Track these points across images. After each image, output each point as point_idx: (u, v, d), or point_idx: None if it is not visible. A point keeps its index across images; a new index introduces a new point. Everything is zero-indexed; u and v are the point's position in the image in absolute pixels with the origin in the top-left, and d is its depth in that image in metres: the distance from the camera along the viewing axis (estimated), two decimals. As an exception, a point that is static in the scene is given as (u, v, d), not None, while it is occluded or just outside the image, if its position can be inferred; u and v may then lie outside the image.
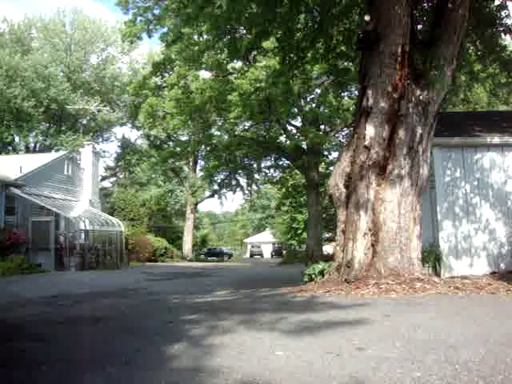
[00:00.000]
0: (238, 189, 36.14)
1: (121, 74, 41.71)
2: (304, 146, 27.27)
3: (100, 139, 44.19)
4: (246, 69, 22.17)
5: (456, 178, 10.46)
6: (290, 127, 28.69)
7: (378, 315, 5.06)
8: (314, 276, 8.84)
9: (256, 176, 34.75)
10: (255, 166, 32.45)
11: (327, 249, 30.61)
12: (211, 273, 17.94)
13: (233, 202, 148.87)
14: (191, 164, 40.24)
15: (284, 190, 36.37)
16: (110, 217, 24.19)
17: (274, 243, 62.00)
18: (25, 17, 42.34)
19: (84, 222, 20.66)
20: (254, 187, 38.10)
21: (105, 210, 26.93)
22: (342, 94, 25.51)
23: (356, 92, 19.06)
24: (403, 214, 7.96)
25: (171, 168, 38.25)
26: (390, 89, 8.23)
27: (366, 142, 8.15)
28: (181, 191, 46.32)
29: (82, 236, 20.33)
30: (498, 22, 11.36)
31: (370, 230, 7.94)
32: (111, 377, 2.96)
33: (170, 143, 38.20)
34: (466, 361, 3.01)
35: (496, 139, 10.59)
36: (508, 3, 11.31)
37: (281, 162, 31.88)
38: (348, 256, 7.95)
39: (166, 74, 27.03)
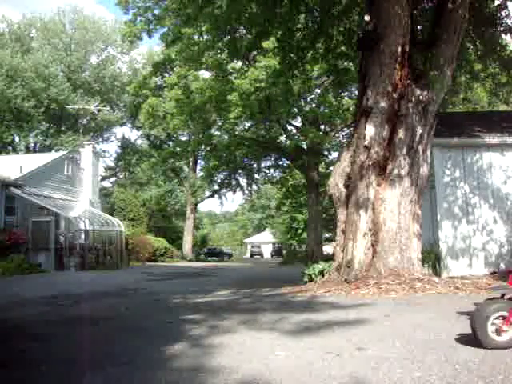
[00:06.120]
0: (237, 189, 36.17)
1: (121, 74, 41.70)
2: (304, 146, 27.27)
3: (100, 139, 44.20)
4: (245, 69, 22.17)
5: (456, 178, 10.46)
6: (290, 127, 28.70)
7: (378, 315, 5.05)
8: (314, 276, 8.83)
9: (256, 176, 34.78)
10: (255, 165, 32.48)
11: (327, 249, 30.60)
12: (211, 273, 17.93)
13: (233, 202, 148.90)
14: (191, 164, 40.23)
15: (284, 189, 36.38)
16: (110, 217, 24.17)
17: (273, 243, 61.99)
18: (23, 17, 42.35)
19: (84, 222, 20.66)
20: (254, 187, 38.12)
21: (105, 210, 26.92)
22: (342, 94, 25.52)
23: (356, 92, 19.06)
24: (403, 214, 7.95)
25: (171, 168, 38.23)
26: (390, 89, 8.22)
27: (366, 142, 8.14)
28: (181, 191, 46.30)
29: (82, 236, 20.32)
30: (498, 21, 11.37)
31: (370, 229, 7.94)
32: (111, 377, 2.96)
33: (170, 143, 38.21)
34: (466, 361, 3.01)
35: (496, 139, 10.59)
36: (508, 3, 11.32)
37: (281, 162, 31.92)
38: (348, 256, 7.95)
39: (166, 74, 27.05)
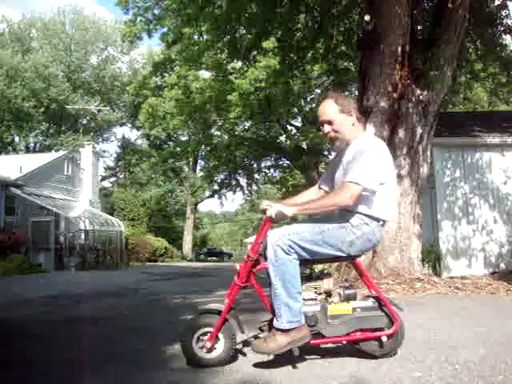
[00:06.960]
0: (238, 189, 36.21)
1: (121, 74, 41.76)
2: (304, 146, 27.30)
3: (100, 139, 44.25)
4: (245, 69, 22.20)
5: (456, 178, 10.47)
6: (290, 127, 28.75)
7: (378, 315, 5.03)
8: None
9: (256, 176, 34.83)
10: (255, 165, 32.52)
11: (327, 249, 30.58)
12: (211, 273, 17.93)
13: (233, 202, 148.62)
14: (191, 164, 40.26)
15: (284, 189, 36.44)
16: (110, 217, 24.20)
17: (273, 243, 61.89)
18: (23, 17, 42.47)
19: (84, 222, 20.69)
20: (254, 187, 38.17)
21: (105, 210, 26.94)
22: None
23: (356, 92, 19.09)
24: (403, 214, 7.96)
25: (171, 168, 38.28)
26: (390, 89, 8.22)
27: (366, 142, 8.14)
28: (181, 191, 46.36)
29: (82, 236, 20.35)
30: (498, 21, 11.38)
31: (370, 229, 7.93)
32: (111, 377, 2.96)
33: (170, 143, 38.25)
34: (466, 361, 3.01)
35: (496, 139, 10.60)
36: (508, 3, 11.33)
37: (281, 162, 31.96)
38: (348, 256, 7.94)
39: (166, 74, 27.09)
